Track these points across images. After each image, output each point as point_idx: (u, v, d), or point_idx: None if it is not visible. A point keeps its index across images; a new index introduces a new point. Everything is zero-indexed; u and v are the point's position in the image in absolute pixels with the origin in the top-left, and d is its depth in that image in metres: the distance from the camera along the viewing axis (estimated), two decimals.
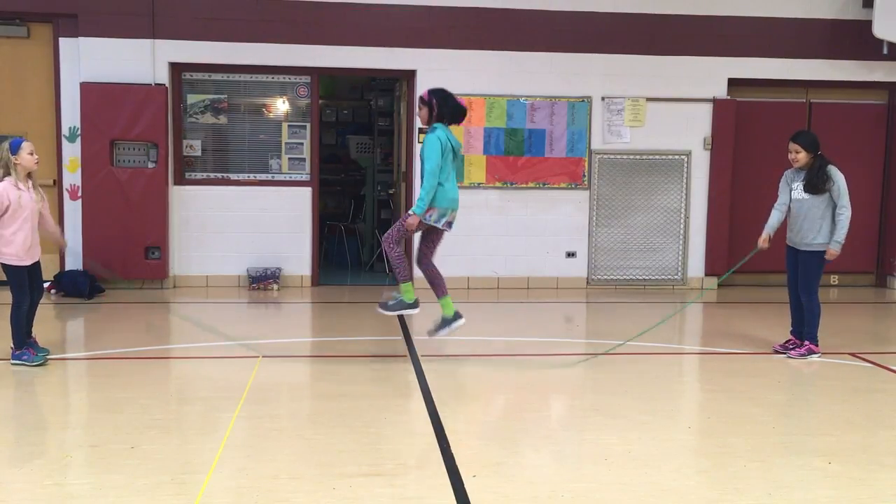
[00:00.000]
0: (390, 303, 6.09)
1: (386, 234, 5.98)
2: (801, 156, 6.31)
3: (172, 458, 4.22)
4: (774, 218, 6.61)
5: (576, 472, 4.19)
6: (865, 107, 10.15)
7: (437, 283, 6.04)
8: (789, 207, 6.51)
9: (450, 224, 5.95)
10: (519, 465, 4.24)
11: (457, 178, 6.04)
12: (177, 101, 9.25)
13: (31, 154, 5.77)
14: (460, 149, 5.99)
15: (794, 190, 6.43)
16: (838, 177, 6.27)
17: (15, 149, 5.71)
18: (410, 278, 6.01)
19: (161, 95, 8.91)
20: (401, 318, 7.79)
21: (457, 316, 6.07)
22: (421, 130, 6.03)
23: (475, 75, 9.34)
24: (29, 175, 5.82)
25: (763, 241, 6.58)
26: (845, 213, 6.25)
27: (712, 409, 5.34)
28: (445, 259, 6.05)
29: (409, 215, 5.84)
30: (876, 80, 9.86)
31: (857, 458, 4.39)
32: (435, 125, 5.87)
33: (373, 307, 8.62)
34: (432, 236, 6.06)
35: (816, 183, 6.26)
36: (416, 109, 6.15)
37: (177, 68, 9.17)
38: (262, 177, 9.49)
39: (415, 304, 6.06)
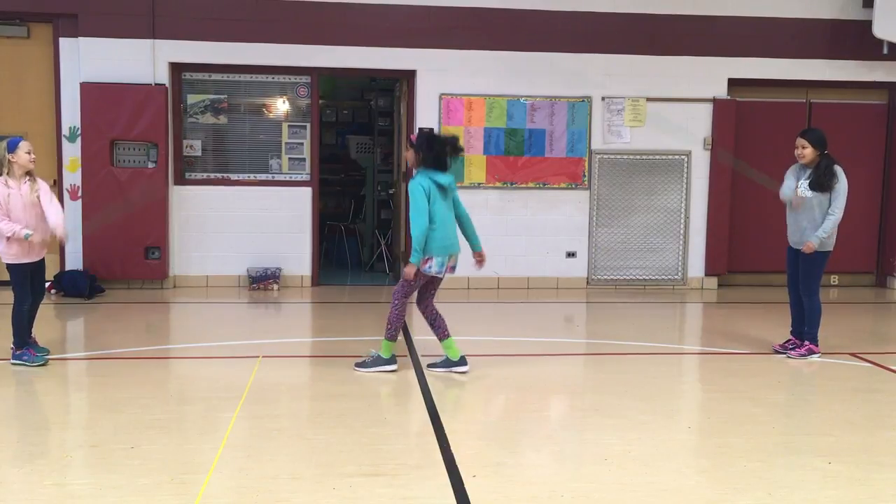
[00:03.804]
0: (367, 360, 5.94)
1: (394, 289, 5.85)
2: (807, 151, 6.29)
3: (172, 458, 4.22)
4: (789, 186, 6.40)
5: (576, 472, 4.19)
6: (865, 107, 10.15)
7: (437, 325, 5.93)
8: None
9: (452, 268, 5.84)
10: (519, 465, 4.25)
11: (456, 215, 5.89)
12: (177, 101, 9.25)
13: (29, 153, 5.76)
14: (453, 184, 5.82)
15: (800, 187, 6.40)
16: (843, 178, 6.26)
17: (12, 147, 5.71)
18: (395, 339, 5.90)
19: (161, 95, 8.91)
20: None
21: (462, 361, 5.91)
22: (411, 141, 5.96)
23: (475, 75, 9.34)
24: (28, 174, 5.82)
25: (797, 200, 6.35)
26: (836, 215, 6.22)
27: (712, 409, 5.34)
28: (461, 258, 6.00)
29: (410, 265, 5.69)
30: (876, 80, 9.86)
31: (857, 458, 4.39)
32: (417, 171, 5.74)
33: (373, 307, 8.70)
34: (433, 282, 5.91)
35: (823, 181, 6.24)
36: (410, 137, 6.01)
37: (177, 68, 9.17)
38: (262, 177, 9.49)
39: (391, 361, 5.89)
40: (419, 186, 5.64)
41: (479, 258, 6.06)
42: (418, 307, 6.00)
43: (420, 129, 6.00)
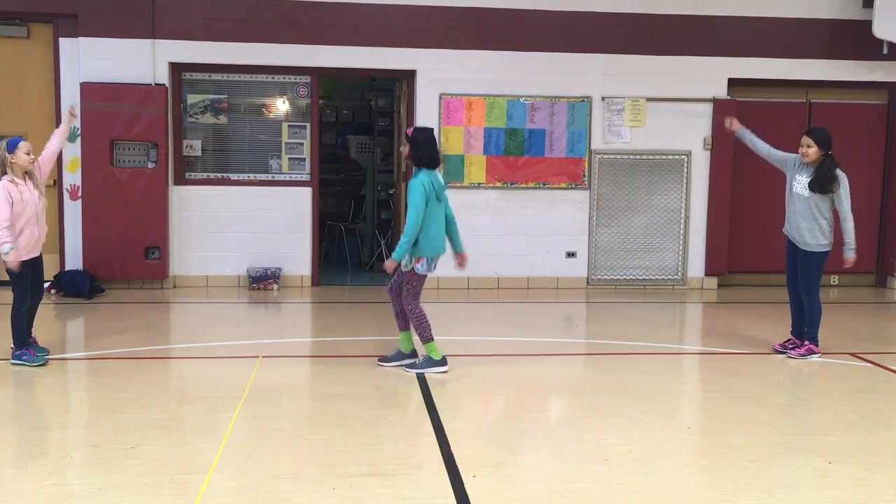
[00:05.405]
0: (417, 362, 5.98)
1: (403, 298, 5.89)
2: (812, 150, 6.29)
3: (172, 458, 4.22)
4: (760, 143, 6.69)
5: (576, 472, 4.19)
6: (865, 107, 10.15)
7: (402, 316, 5.98)
8: (787, 197, 6.48)
9: (434, 267, 5.91)
10: (519, 465, 4.25)
11: (445, 218, 5.93)
12: (177, 101, 9.25)
13: (28, 154, 5.76)
14: (443, 190, 5.87)
15: (797, 183, 6.40)
16: (844, 182, 6.25)
17: (11, 147, 5.71)
18: (433, 338, 5.91)
19: (161, 95, 8.91)
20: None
21: (413, 355, 6.02)
22: (407, 138, 5.97)
23: (475, 75, 9.34)
24: (27, 174, 5.83)
25: (732, 123, 6.86)
26: (850, 223, 6.25)
27: (712, 409, 5.34)
28: (446, 259, 6.03)
29: (390, 261, 5.78)
30: (876, 80, 9.86)
31: (857, 458, 4.39)
32: (419, 169, 5.79)
33: (373, 307, 8.70)
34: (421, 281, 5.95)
35: (824, 183, 6.24)
36: (406, 134, 6.02)
37: (177, 68, 9.17)
38: (262, 177, 9.49)
39: (442, 362, 5.92)
40: (421, 186, 5.70)
41: (462, 259, 6.15)
42: (389, 294, 6.02)
43: (416, 127, 6.00)
